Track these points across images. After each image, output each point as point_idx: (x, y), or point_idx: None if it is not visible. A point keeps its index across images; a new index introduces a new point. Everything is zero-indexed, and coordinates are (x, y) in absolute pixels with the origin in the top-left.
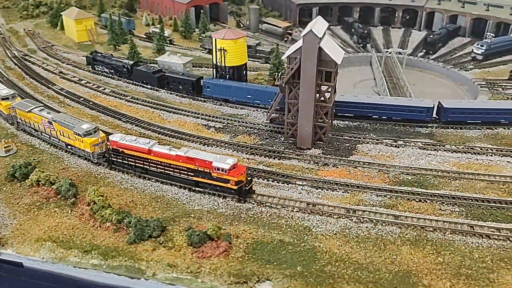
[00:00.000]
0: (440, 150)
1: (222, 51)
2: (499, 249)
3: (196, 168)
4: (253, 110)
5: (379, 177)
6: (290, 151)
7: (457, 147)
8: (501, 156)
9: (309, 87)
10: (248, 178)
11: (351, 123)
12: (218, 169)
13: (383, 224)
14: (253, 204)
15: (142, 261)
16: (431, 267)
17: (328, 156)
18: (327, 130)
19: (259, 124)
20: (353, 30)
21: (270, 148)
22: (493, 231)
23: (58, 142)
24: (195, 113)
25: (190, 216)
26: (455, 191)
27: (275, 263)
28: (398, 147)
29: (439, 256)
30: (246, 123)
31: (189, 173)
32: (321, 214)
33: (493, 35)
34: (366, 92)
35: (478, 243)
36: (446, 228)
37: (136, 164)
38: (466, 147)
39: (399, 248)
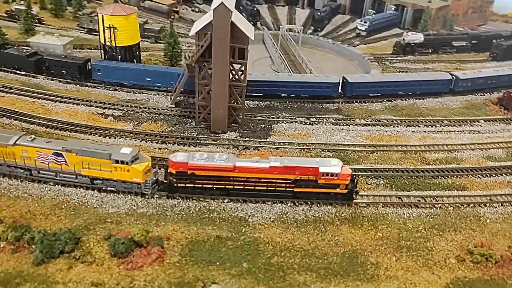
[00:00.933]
0: (351, 124)
1: (112, 29)
2: (428, 216)
3: (298, 178)
4: (154, 94)
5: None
6: (205, 136)
7: (366, 121)
8: (406, 126)
9: (222, 65)
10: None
11: (261, 102)
12: (327, 174)
13: (318, 205)
14: (178, 199)
15: (58, 284)
16: (373, 244)
17: (247, 139)
18: (242, 112)
19: (163, 109)
20: (241, 7)
21: (182, 135)
22: (419, 200)
23: (75, 179)
24: (87, 100)
25: (106, 221)
26: (376, 164)
27: (217, 263)
28: (312, 125)
29: (378, 231)
30: (149, 108)
31: (287, 185)
32: (254, 202)
33: (374, 12)
34: (265, 71)
35: (408, 213)
36: (377, 202)
37: (215, 186)
38: (374, 120)
39: (339, 228)
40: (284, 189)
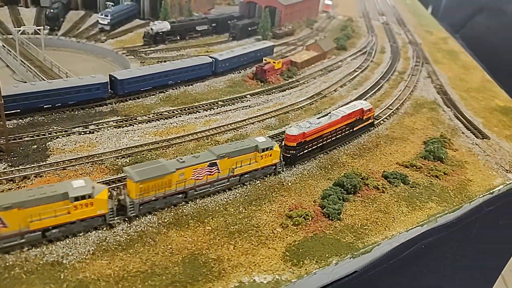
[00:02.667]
0: (135, 124)
1: None
2: (243, 195)
3: (354, 119)
4: None
5: (97, 170)
6: None
7: (148, 117)
8: (188, 114)
9: None
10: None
11: (21, 120)
12: (367, 110)
13: (137, 218)
14: None
15: None
16: (207, 239)
17: (21, 167)
18: (6, 136)
19: None
20: None
21: None
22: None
23: (227, 182)
24: None
25: None
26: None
27: None
28: (93, 133)
29: (206, 225)
30: None
31: (350, 127)
32: (62, 239)
33: (113, 4)
34: (8, 83)
35: (225, 198)
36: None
37: (317, 146)
38: (155, 114)
39: (168, 235)
40: (349, 131)
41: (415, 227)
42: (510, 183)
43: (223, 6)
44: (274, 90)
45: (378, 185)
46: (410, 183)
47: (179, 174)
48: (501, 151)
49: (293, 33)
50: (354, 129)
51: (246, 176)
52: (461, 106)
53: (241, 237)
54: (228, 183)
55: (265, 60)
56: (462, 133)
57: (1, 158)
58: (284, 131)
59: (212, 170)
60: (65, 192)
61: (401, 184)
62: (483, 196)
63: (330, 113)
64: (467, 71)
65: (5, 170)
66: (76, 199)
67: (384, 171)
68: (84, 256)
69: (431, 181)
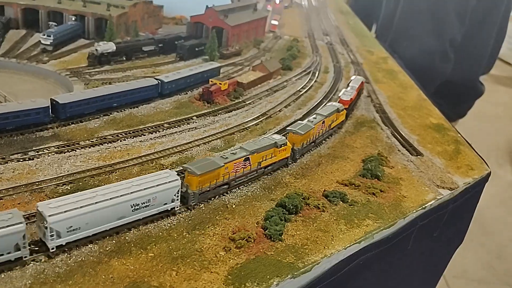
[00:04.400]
0: (77, 148)
1: None
2: (187, 219)
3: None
4: None
5: (35, 198)
6: None
7: (91, 141)
8: (132, 138)
9: None
10: None
11: None
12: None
13: (77, 247)
14: None
15: None
16: (149, 266)
17: None
18: None
19: None
20: None
21: None
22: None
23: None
24: None
25: None
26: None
27: None
28: (33, 159)
29: (148, 252)
30: None
31: None
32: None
33: (56, 24)
34: None
35: (168, 223)
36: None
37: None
38: (99, 138)
39: (109, 264)
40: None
41: (353, 244)
42: (440, 198)
43: (171, 25)
44: (220, 111)
45: (319, 204)
46: (349, 201)
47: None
48: (433, 167)
49: (240, 53)
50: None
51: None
52: (398, 124)
53: (184, 262)
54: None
55: (211, 81)
56: (398, 150)
57: None
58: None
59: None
60: (275, 142)
61: (341, 202)
62: (417, 211)
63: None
64: (404, 90)
65: None
66: (280, 146)
67: (324, 190)
68: None
69: (368, 198)
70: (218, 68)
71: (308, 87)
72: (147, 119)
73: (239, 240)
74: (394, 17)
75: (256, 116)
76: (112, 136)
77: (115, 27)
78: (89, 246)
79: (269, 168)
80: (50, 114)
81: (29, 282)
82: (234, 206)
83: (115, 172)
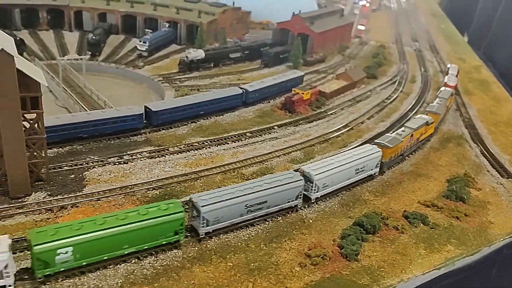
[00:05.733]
0: (167, 154)
1: None
2: (264, 232)
3: None
4: None
5: (128, 201)
6: (5, 205)
7: (179, 148)
8: (217, 146)
9: (12, 121)
10: None
11: (61, 149)
12: None
13: (163, 251)
14: None
15: None
16: (228, 276)
17: (59, 196)
18: (46, 166)
19: None
20: None
21: None
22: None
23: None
24: None
25: None
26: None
27: None
28: (127, 163)
29: (227, 261)
30: None
31: None
32: (93, 271)
33: (151, 31)
34: (50, 109)
35: (247, 234)
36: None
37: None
38: (186, 145)
39: (191, 270)
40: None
41: (432, 270)
42: None
43: (257, 30)
44: (301, 121)
45: (398, 225)
46: (430, 224)
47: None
48: None
49: (324, 60)
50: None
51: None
52: (488, 142)
53: (261, 274)
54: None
55: (294, 90)
56: (487, 171)
57: (42, 187)
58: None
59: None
60: (426, 121)
61: (421, 224)
62: (504, 239)
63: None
64: (498, 103)
65: (45, 199)
66: (429, 124)
67: (405, 211)
68: None
69: (451, 222)
70: (301, 77)
71: (393, 98)
72: (231, 127)
73: (314, 257)
74: (491, 23)
75: (337, 127)
76: (198, 143)
77: (205, 34)
78: (174, 251)
79: (422, 141)
80: (143, 120)
81: (120, 281)
82: (311, 221)
83: (200, 180)
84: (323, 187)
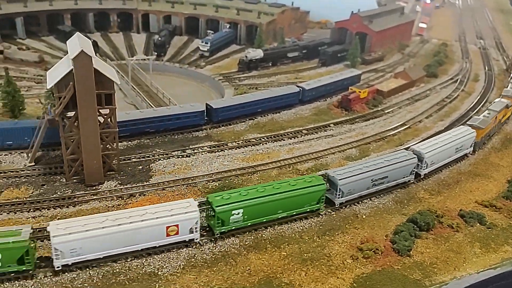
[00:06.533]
0: (225, 149)
1: None
2: (318, 225)
3: None
4: (5, 155)
5: (190, 192)
6: (81, 192)
7: (238, 143)
8: (273, 142)
9: (89, 115)
10: None
11: (130, 142)
12: None
13: (221, 238)
14: (76, 270)
15: None
16: (281, 264)
17: (128, 185)
18: (117, 157)
19: (23, 170)
20: None
21: (54, 195)
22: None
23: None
24: None
25: None
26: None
27: None
28: (189, 156)
29: (282, 251)
30: (4, 172)
31: None
32: (158, 253)
33: (212, 32)
34: (120, 106)
35: (301, 226)
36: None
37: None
38: (244, 141)
39: (247, 257)
40: None
41: (487, 270)
42: None
43: (316, 29)
44: (358, 119)
45: (453, 223)
46: (487, 223)
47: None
48: None
49: (383, 59)
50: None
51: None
52: None
53: (313, 264)
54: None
55: (351, 89)
56: None
57: (113, 176)
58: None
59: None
60: (506, 104)
61: (478, 224)
62: None
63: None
64: None
65: (116, 187)
66: (509, 107)
67: (461, 210)
68: (176, 270)
69: (510, 223)
70: (358, 75)
71: (454, 97)
72: (288, 125)
73: (366, 250)
74: None
75: (394, 126)
76: (256, 140)
77: (264, 34)
78: (231, 238)
79: (502, 123)
80: (205, 117)
81: (182, 264)
82: (364, 216)
83: (256, 174)
84: (430, 164)
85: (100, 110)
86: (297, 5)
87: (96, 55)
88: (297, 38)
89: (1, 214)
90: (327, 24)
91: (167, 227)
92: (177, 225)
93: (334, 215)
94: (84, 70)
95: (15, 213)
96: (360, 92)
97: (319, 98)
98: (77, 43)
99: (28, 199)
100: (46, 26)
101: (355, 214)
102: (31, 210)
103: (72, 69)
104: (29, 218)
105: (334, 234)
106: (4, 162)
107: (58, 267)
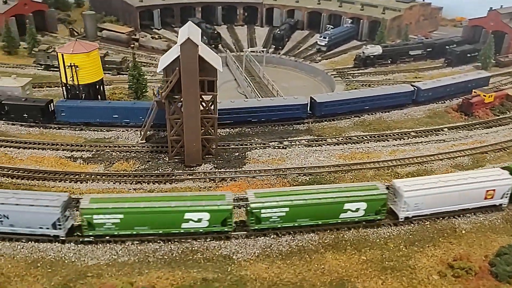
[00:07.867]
0: (323, 144)
1: (73, 67)
2: (407, 233)
3: None
4: (123, 131)
5: (279, 183)
6: (180, 171)
7: (337, 139)
8: (376, 142)
9: (192, 99)
10: None
11: (232, 130)
12: None
13: (301, 233)
14: (160, 243)
15: None
16: (359, 268)
17: (222, 170)
18: (216, 143)
19: (134, 146)
20: (201, 31)
21: (156, 172)
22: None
23: None
24: (52, 144)
25: (87, 276)
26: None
27: None
28: (286, 148)
29: (362, 255)
30: (119, 147)
31: None
32: (237, 237)
33: (332, 26)
34: (231, 95)
35: (389, 232)
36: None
37: None
38: (345, 138)
39: (324, 256)
40: None
41: None
42: None
43: (448, 28)
44: (478, 126)
45: None
46: None
47: None
48: None
49: None
50: None
51: None
52: None
53: (393, 274)
54: None
55: (474, 92)
56: None
57: (210, 160)
58: None
59: None
60: None
61: None
62: None
63: None
64: None
65: (211, 170)
66: None
67: None
68: (250, 257)
69: None
70: (486, 78)
71: None
72: (395, 125)
73: (458, 269)
74: None
75: None
76: (357, 138)
77: (386, 30)
78: (310, 234)
79: None
80: (307, 110)
81: (258, 252)
82: (463, 231)
83: (351, 172)
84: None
85: (202, 96)
86: (428, 1)
87: (217, 47)
88: (425, 35)
89: (109, 183)
90: (462, 22)
91: (487, 191)
92: (494, 190)
93: (428, 225)
94: (190, 57)
95: (120, 183)
96: (485, 96)
97: (437, 100)
98: (187, 31)
99: (133, 172)
100: (179, 18)
101: (453, 227)
102: (133, 182)
103: (179, 55)
104: (130, 189)
105: (423, 246)
106: (121, 138)
107: (401, 218)
